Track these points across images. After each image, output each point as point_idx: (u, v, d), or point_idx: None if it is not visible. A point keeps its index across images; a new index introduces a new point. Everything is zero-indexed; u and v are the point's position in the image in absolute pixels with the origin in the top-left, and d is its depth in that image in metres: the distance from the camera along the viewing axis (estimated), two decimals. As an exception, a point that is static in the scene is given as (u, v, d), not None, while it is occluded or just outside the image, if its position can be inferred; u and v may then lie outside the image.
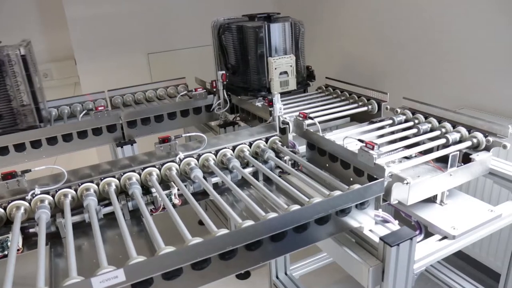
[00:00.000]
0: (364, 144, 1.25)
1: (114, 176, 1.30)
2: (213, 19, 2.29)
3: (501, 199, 1.96)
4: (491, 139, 1.38)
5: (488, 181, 1.99)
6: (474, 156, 1.35)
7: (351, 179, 1.33)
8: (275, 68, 2.08)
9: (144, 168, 1.34)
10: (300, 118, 1.54)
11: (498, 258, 2.10)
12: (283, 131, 1.56)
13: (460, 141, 1.43)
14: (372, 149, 1.22)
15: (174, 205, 1.27)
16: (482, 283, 2.02)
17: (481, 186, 2.04)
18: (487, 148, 1.39)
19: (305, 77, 2.29)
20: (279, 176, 1.38)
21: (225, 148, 1.47)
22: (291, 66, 2.12)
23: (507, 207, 1.33)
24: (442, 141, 1.43)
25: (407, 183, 1.17)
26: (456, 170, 1.30)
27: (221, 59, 2.29)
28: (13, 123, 1.90)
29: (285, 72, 2.12)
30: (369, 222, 1.16)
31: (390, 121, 1.63)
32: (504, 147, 1.34)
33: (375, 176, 1.22)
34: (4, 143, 1.75)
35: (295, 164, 1.47)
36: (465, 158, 1.38)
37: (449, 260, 2.20)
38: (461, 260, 2.42)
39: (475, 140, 1.40)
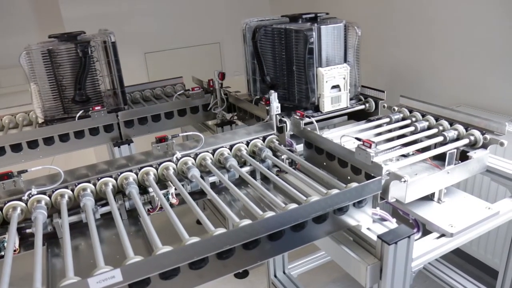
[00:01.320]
0: (361, 143, 1.25)
1: (111, 176, 1.30)
2: (240, 20, 1.96)
3: (498, 197, 1.96)
4: (488, 136, 1.38)
5: (485, 178, 1.99)
6: (471, 153, 1.35)
7: (349, 177, 1.33)
8: (326, 81, 1.70)
9: (141, 167, 1.34)
10: (297, 117, 1.54)
11: (495, 256, 2.10)
12: (280, 130, 1.56)
13: (457, 139, 1.44)
14: (370, 147, 1.22)
15: (171, 205, 1.26)
16: (480, 281, 2.02)
17: (479, 183, 2.04)
18: (484, 146, 1.39)
19: (359, 92, 1.90)
20: (277, 175, 1.38)
21: (222, 147, 1.47)
22: (344, 78, 1.73)
23: (505, 205, 1.33)
24: (440, 139, 1.43)
25: (404, 181, 1.17)
26: (454, 168, 1.30)
27: (254, 68, 1.94)
28: (101, 106, 1.99)
29: (337, 86, 1.74)
30: (367, 221, 1.16)
31: (387, 119, 1.64)
32: (501, 144, 1.34)
33: (372, 175, 1.21)
34: (1, 143, 1.75)
35: (292, 163, 1.47)
36: (463, 156, 1.38)
37: (447, 257, 2.20)
38: (459, 258, 2.42)
39: (472, 138, 1.40)
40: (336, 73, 1.70)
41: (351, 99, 1.82)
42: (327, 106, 1.73)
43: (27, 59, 1.88)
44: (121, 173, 1.31)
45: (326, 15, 1.82)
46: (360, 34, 1.77)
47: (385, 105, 1.78)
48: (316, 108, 1.75)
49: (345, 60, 1.79)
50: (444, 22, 2.29)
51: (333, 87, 1.72)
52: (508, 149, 1.86)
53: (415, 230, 1.23)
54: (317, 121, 1.56)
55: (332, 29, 1.71)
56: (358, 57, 1.83)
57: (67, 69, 1.93)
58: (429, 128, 1.54)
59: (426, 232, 1.24)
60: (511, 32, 1.98)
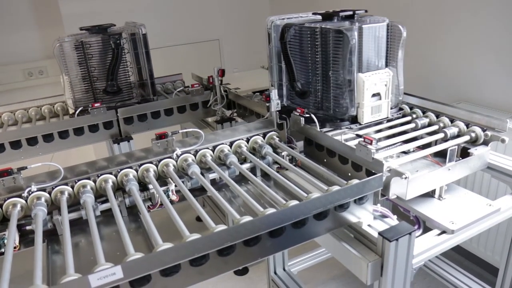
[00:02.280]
0: (362, 139, 1.24)
1: (111, 173, 1.29)
2: (263, 17, 1.74)
3: (499, 193, 1.96)
4: (489, 133, 1.38)
5: (486, 175, 1.99)
6: (472, 150, 1.35)
7: (349, 174, 1.33)
8: (367, 89, 1.48)
9: (141, 164, 1.33)
10: (297, 114, 1.53)
11: (496, 253, 2.10)
12: (281, 127, 1.56)
13: (458, 136, 1.43)
14: (370, 143, 1.21)
15: (171, 202, 1.26)
16: (480, 278, 2.02)
17: (479, 180, 2.04)
18: (485, 143, 1.39)
19: (401, 100, 1.66)
20: (277, 172, 1.38)
21: (223, 144, 1.47)
22: (385, 85, 1.51)
23: (506, 201, 1.33)
24: (440, 135, 1.42)
25: (405, 178, 1.17)
26: (455, 165, 1.30)
27: (280, 72, 1.71)
28: (130, 97, 2.11)
29: (378, 94, 1.51)
30: (367, 217, 1.16)
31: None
32: (503, 141, 1.34)
33: (373, 171, 1.21)
34: (0, 140, 1.74)
35: (293, 160, 1.46)
36: (464, 153, 1.37)
37: (447, 254, 2.21)
38: (459, 255, 2.42)
39: (473, 135, 1.40)
40: (377, 79, 1.49)
41: (391, 108, 1.60)
42: (366, 116, 1.51)
43: (60, 50, 1.92)
44: (121, 169, 1.30)
45: (365, 12, 1.59)
46: (405, 35, 1.52)
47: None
48: (354, 120, 1.53)
49: (387, 65, 1.58)
50: (444, 19, 2.28)
51: (373, 95, 1.50)
52: (509, 145, 1.85)
53: (416, 227, 1.23)
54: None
55: (375, 29, 1.48)
56: (402, 61, 1.59)
57: (99, 61, 2.01)
58: (429, 124, 1.54)
59: (426, 229, 1.24)
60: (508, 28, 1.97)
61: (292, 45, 1.59)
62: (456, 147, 1.33)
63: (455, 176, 1.31)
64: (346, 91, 1.49)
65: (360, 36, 1.44)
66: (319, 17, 1.61)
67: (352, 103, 1.50)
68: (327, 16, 1.56)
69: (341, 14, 1.53)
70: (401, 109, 1.67)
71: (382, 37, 1.52)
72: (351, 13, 1.53)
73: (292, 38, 1.58)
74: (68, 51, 1.95)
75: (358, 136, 1.28)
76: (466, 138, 1.39)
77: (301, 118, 1.52)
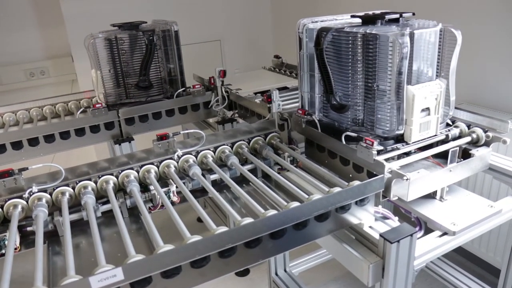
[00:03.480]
0: (363, 141, 1.24)
1: (112, 174, 1.29)
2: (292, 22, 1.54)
3: (500, 195, 1.96)
4: (490, 134, 1.37)
5: (487, 176, 1.99)
6: (473, 151, 1.34)
7: (350, 175, 1.33)
8: (417, 103, 1.25)
9: (142, 165, 1.33)
10: (299, 115, 1.53)
11: (497, 254, 2.10)
12: (282, 128, 1.56)
13: (459, 137, 1.43)
14: (372, 145, 1.21)
15: (172, 203, 1.26)
16: (482, 279, 2.02)
17: (481, 181, 2.04)
18: (487, 144, 1.38)
19: (451, 115, 1.43)
20: (278, 173, 1.38)
21: (224, 145, 1.46)
22: (436, 98, 1.29)
23: (507, 203, 1.32)
24: (441, 137, 1.42)
25: (406, 179, 1.16)
26: (456, 166, 1.29)
27: (313, 82, 1.48)
28: (160, 92, 2.15)
29: (427, 109, 1.29)
30: (369, 219, 1.16)
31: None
32: (504, 142, 1.34)
33: (374, 172, 1.21)
34: (1, 140, 1.74)
35: (294, 161, 1.46)
36: (465, 154, 1.37)
37: (449, 256, 2.20)
38: (461, 256, 2.42)
39: (474, 136, 1.39)
40: (428, 92, 1.27)
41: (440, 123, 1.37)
42: (415, 135, 1.29)
43: (93, 46, 1.97)
44: (122, 170, 1.30)
45: (413, 15, 1.36)
46: (460, 42, 1.30)
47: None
48: (399, 139, 1.32)
49: (438, 75, 1.36)
50: (446, 18, 2.28)
51: (423, 110, 1.29)
52: (510, 147, 1.85)
53: (417, 229, 1.23)
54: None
55: (427, 34, 1.27)
56: (454, 71, 1.35)
57: (130, 57, 2.05)
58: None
59: (428, 231, 1.24)
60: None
61: (328, 52, 1.38)
62: (458, 148, 1.33)
63: (456, 177, 1.30)
64: (394, 107, 1.27)
65: (411, 43, 1.22)
66: (358, 20, 1.39)
67: (401, 120, 1.28)
68: (369, 19, 1.34)
69: (387, 17, 1.31)
70: (448, 124, 1.45)
71: (434, 43, 1.31)
72: (397, 16, 1.32)
73: (328, 44, 1.37)
74: (100, 47, 1.99)
75: (359, 137, 1.26)
76: (468, 139, 1.39)
77: (303, 119, 1.50)
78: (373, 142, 1.21)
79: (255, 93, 2.08)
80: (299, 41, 1.46)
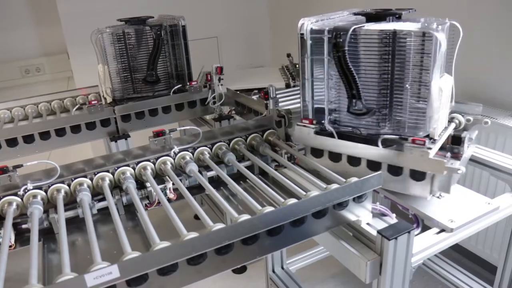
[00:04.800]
0: (409, 141, 1.17)
1: (108, 171, 1.28)
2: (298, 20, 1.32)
3: (498, 192, 1.96)
4: (470, 118, 1.39)
5: (484, 173, 1.99)
6: (464, 134, 1.35)
7: (346, 171, 1.31)
8: (443, 98, 1.23)
9: (139, 162, 1.33)
10: (304, 124, 1.37)
11: (494, 251, 2.10)
12: (279, 124, 1.55)
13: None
14: (424, 144, 1.15)
15: (169, 200, 1.25)
16: (478, 276, 2.02)
17: (478, 178, 2.04)
18: (467, 128, 1.41)
19: (453, 108, 1.42)
20: (275, 170, 1.37)
21: (221, 141, 1.46)
22: (450, 91, 1.32)
23: (505, 199, 1.32)
24: (452, 127, 1.37)
25: (459, 171, 1.12)
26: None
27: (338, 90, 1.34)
28: (167, 87, 2.17)
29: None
30: (366, 216, 1.15)
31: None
32: (486, 123, 1.36)
33: (428, 172, 1.17)
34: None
35: (291, 157, 1.46)
36: (455, 140, 1.37)
37: (446, 253, 2.20)
38: (458, 253, 2.42)
39: (457, 122, 1.40)
40: (449, 86, 1.29)
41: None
42: (439, 129, 1.26)
43: (101, 41, 1.98)
44: (118, 167, 1.29)
45: (414, 11, 1.34)
46: (461, 36, 1.30)
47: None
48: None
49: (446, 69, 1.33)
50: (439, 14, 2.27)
51: None
52: (507, 144, 1.85)
53: (414, 226, 1.23)
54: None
55: (447, 30, 1.25)
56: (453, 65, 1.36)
57: (137, 51, 2.08)
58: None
59: (425, 228, 1.23)
60: (508, 25, 1.97)
61: (351, 53, 1.26)
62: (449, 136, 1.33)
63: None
64: (426, 105, 1.21)
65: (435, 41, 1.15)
66: (360, 17, 1.33)
67: (430, 117, 1.22)
68: (374, 17, 1.28)
69: (398, 12, 1.27)
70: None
71: (447, 40, 1.24)
72: (401, 12, 1.28)
73: (354, 45, 1.25)
74: (107, 41, 2.01)
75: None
76: (452, 125, 1.38)
77: (311, 129, 1.36)
78: (424, 141, 1.16)
79: (252, 90, 2.07)
80: (302, 44, 1.31)
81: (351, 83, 1.26)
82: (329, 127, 1.33)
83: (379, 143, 1.25)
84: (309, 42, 1.29)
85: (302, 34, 1.29)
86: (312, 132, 1.35)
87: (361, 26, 1.23)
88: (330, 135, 1.33)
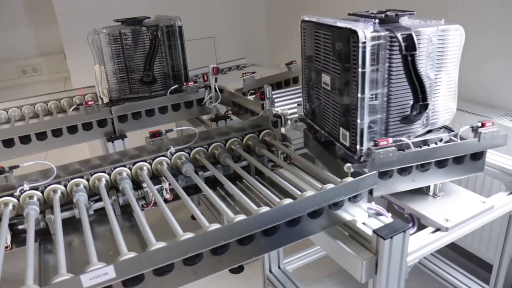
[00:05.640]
0: (479, 125, 1.22)
1: (104, 171, 1.29)
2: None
3: (493, 191, 1.97)
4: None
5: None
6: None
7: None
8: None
9: (135, 163, 1.33)
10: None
11: (490, 249, 2.11)
12: (275, 125, 1.55)
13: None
14: (492, 125, 1.22)
15: (165, 200, 1.26)
16: (474, 274, 2.03)
17: (473, 177, 2.05)
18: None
19: None
20: (272, 170, 1.37)
21: (217, 142, 1.46)
22: None
23: (499, 198, 1.33)
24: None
25: None
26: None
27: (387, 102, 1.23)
28: (164, 87, 2.17)
29: None
30: (362, 215, 1.16)
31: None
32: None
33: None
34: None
35: (287, 158, 1.46)
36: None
37: (441, 251, 2.21)
38: (453, 252, 2.43)
39: None
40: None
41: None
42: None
43: (97, 41, 1.99)
44: (115, 168, 1.30)
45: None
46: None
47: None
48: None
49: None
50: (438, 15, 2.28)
51: None
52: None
53: (410, 225, 1.23)
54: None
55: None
56: None
57: (134, 52, 2.09)
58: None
59: (421, 227, 1.24)
60: (507, 26, 1.97)
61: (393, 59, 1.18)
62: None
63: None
64: (456, 96, 1.30)
65: None
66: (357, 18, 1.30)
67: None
68: (387, 20, 1.24)
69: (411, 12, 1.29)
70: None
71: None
72: (395, 13, 1.27)
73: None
74: (104, 42, 2.02)
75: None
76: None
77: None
78: (493, 122, 1.21)
79: (249, 90, 2.07)
80: (362, 54, 1.11)
81: (417, 88, 1.19)
82: (406, 140, 1.23)
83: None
84: (369, 50, 1.11)
85: (364, 42, 1.10)
86: (396, 150, 1.17)
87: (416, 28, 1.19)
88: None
